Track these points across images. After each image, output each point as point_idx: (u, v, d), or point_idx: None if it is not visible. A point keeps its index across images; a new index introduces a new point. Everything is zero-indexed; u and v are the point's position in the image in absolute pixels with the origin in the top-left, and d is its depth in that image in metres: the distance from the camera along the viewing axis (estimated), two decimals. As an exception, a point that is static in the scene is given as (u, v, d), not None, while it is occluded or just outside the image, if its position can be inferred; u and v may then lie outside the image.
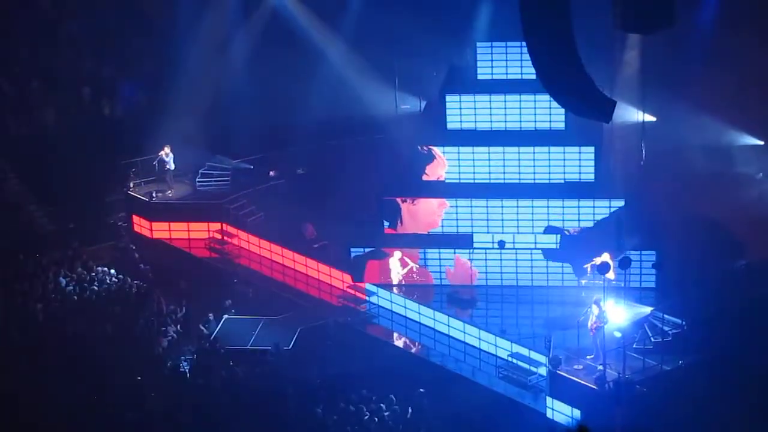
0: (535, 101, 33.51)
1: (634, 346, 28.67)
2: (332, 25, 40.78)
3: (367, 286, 33.99)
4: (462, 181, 33.94)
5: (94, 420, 28.22)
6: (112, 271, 35.67)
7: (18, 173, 40.55)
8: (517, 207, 33.18)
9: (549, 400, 28.82)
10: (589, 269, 30.48)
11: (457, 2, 37.06)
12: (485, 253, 33.38)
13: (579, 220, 32.80)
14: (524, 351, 30.29)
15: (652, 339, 29.05)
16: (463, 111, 34.18)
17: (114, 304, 33.97)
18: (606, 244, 30.18)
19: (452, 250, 33.44)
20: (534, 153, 33.53)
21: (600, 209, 32.70)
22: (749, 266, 31.61)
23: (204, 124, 39.42)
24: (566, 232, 32.85)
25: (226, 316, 33.66)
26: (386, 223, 34.01)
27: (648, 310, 29.87)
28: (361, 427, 27.83)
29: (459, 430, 28.10)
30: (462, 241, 33.46)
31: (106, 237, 38.99)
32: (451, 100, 34.23)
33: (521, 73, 33.88)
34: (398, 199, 33.80)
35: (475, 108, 34.09)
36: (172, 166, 38.51)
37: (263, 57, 40.55)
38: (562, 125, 33.62)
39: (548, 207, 33.01)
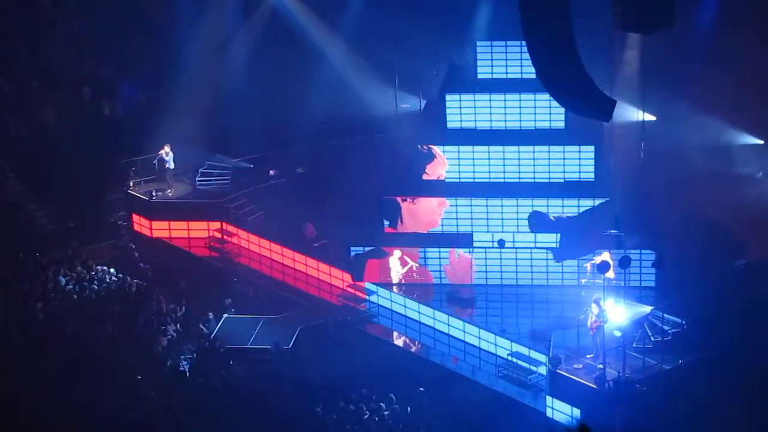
0: (535, 100, 33.53)
1: (634, 345, 28.66)
2: (332, 24, 40.79)
3: (367, 285, 34.00)
4: (462, 180, 33.94)
5: (94, 419, 28.20)
6: (112, 270, 35.65)
7: (18, 173, 40.53)
8: (517, 206, 33.20)
9: (549, 399, 28.82)
10: (589, 268, 30.52)
11: (457, 2, 37.12)
12: (485, 252, 33.38)
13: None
14: (524, 350, 30.28)
15: (652, 338, 29.04)
16: (463, 110, 34.19)
17: (114, 303, 33.95)
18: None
19: (451, 250, 33.44)
20: (534, 152, 33.54)
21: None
22: (749, 265, 31.60)
23: (204, 123, 39.39)
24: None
25: (225, 315, 33.66)
26: (386, 222, 34.01)
27: (648, 309, 29.85)
28: (360, 427, 27.83)
29: (459, 429, 28.10)
30: (462, 241, 33.47)
31: (105, 236, 38.98)
32: (451, 100, 34.24)
33: (521, 73, 33.90)
34: (398, 199, 33.80)
35: (475, 107, 34.11)
36: (171, 165, 38.52)
37: (263, 57, 40.53)
38: (562, 124, 33.64)
39: (548, 206, 33.00)
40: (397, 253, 33.63)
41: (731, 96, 35.05)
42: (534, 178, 33.63)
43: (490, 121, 34.14)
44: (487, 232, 33.38)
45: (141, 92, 43.28)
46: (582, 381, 28.07)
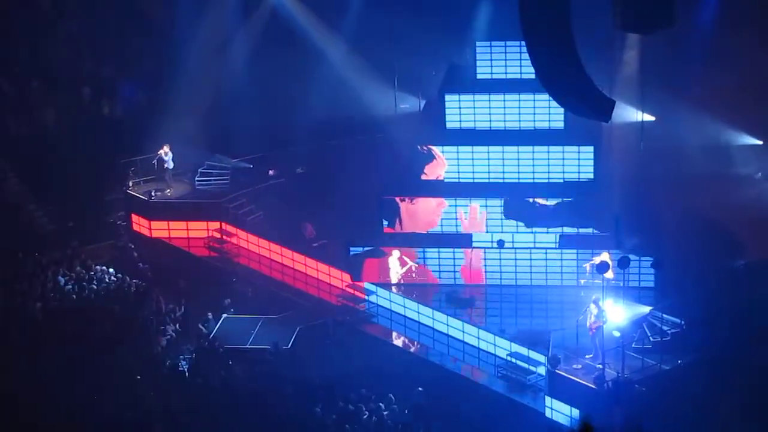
0: (534, 101, 33.52)
1: (633, 345, 28.67)
2: (332, 24, 40.79)
3: (366, 285, 33.99)
4: (461, 180, 33.93)
5: (93, 419, 28.20)
6: (111, 270, 35.67)
7: (18, 173, 40.54)
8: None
9: (548, 399, 28.80)
10: (588, 268, 30.52)
11: (456, 2, 37.11)
12: (484, 253, 33.37)
13: (578, 219, 32.81)
14: (523, 350, 30.27)
15: (651, 338, 29.04)
16: (462, 110, 34.18)
17: (113, 303, 33.95)
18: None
19: (452, 249, 33.45)
20: (533, 152, 33.52)
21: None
22: (748, 266, 31.59)
23: (203, 123, 39.39)
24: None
25: (225, 315, 33.64)
26: (385, 222, 34.00)
27: (647, 309, 29.85)
28: (360, 426, 27.82)
29: (458, 429, 28.10)
30: (461, 241, 33.46)
31: (105, 236, 38.99)
32: (451, 100, 34.23)
33: (520, 73, 33.89)
34: (397, 199, 33.79)
35: (474, 107, 34.09)
36: (171, 165, 38.50)
37: (263, 57, 40.53)
38: (561, 125, 33.63)
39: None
40: (396, 253, 33.62)
41: (730, 96, 35.05)
42: (533, 178, 33.61)
43: (490, 121, 34.13)
44: (487, 232, 33.36)
45: (141, 92, 43.28)
46: (581, 381, 28.06)
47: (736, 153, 36.16)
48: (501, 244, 33.10)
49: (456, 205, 33.41)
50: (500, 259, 33.23)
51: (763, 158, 36.01)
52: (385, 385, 29.15)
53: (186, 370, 31.16)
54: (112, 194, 40.13)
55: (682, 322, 28.98)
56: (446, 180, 34.02)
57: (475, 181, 33.86)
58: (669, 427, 26.67)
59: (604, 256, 29.64)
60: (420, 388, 29.04)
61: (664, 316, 29.31)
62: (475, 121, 34.20)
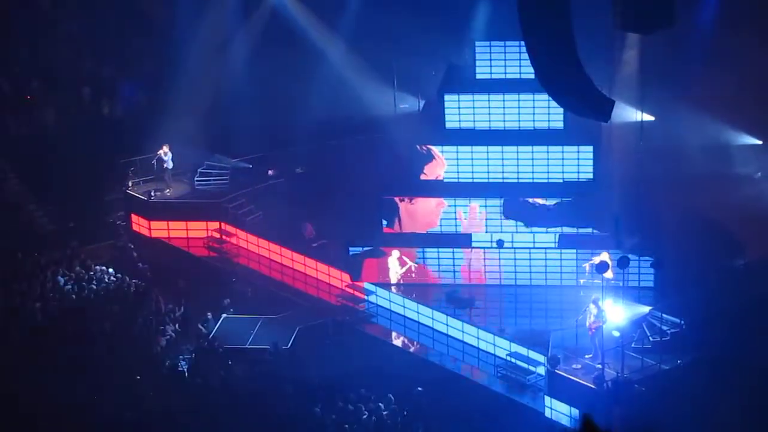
0: (533, 101, 33.51)
1: (633, 345, 28.67)
2: (331, 24, 40.78)
3: (366, 285, 33.98)
4: (461, 180, 33.92)
5: (93, 419, 28.21)
6: (111, 270, 35.66)
7: (17, 173, 40.53)
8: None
9: (547, 399, 28.80)
10: (587, 268, 30.51)
11: (455, 2, 37.09)
12: (484, 253, 33.37)
13: (577, 219, 32.81)
14: (522, 350, 30.27)
15: (651, 338, 29.05)
16: (461, 110, 34.18)
17: (112, 303, 33.95)
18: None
19: (451, 249, 33.45)
20: (533, 152, 33.52)
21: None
22: (748, 265, 31.60)
23: (203, 123, 39.38)
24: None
25: (224, 316, 33.64)
26: (384, 222, 34.00)
27: (646, 309, 29.86)
28: (359, 426, 27.83)
29: (457, 428, 28.10)
30: (461, 241, 33.45)
31: (104, 236, 38.96)
32: (450, 100, 34.23)
33: (520, 73, 33.87)
34: (396, 199, 33.79)
35: (473, 107, 34.09)
36: (170, 165, 38.49)
37: (263, 57, 40.52)
38: (560, 125, 33.62)
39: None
40: (395, 253, 33.62)
41: (730, 96, 35.02)
42: (533, 178, 33.61)
43: (489, 121, 34.12)
44: (486, 232, 33.36)
45: (140, 92, 43.27)
46: (581, 381, 28.08)
47: (735, 153, 36.14)
48: (500, 244, 33.10)
49: (456, 205, 33.42)
50: (499, 258, 33.24)
51: (763, 158, 35.99)
52: (385, 385, 29.16)
53: (185, 370, 31.16)
54: (112, 194, 40.11)
55: (682, 322, 28.99)
56: (446, 180, 34.02)
57: (475, 181, 33.86)
58: (668, 427, 26.65)
59: (604, 256, 29.64)
60: (420, 388, 29.03)
61: (664, 316, 29.32)
62: (474, 121, 34.20)
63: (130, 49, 43.50)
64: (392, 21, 37.63)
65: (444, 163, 33.98)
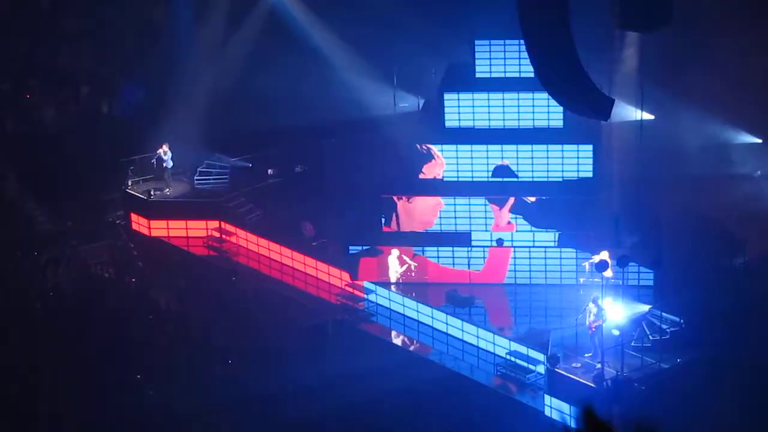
0: (533, 99, 33.53)
1: (632, 344, 28.67)
2: (331, 23, 40.77)
3: (366, 284, 33.97)
4: (460, 179, 33.93)
5: (93, 419, 28.23)
6: (110, 269, 35.63)
7: (17, 172, 40.53)
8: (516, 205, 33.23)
9: (547, 398, 28.80)
10: (587, 267, 30.51)
11: (455, 1, 37.07)
12: (483, 252, 33.37)
13: (577, 218, 32.81)
14: (522, 349, 30.27)
15: (650, 337, 29.05)
16: (461, 109, 34.19)
17: (112, 301, 33.92)
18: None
19: (451, 248, 33.46)
20: (532, 151, 33.54)
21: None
22: (747, 264, 31.60)
23: (202, 122, 39.36)
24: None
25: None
26: (382, 221, 33.99)
27: (646, 308, 29.86)
28: (359, 425, 27.81)
29: (457, 427, 28.10)
30: (460, 239, 33.45)
31: (104, 235, 38.94)
32: (450, 99, 34.23)
33: (520, 72, 33.89)
34: (394, 197, 33.79)
35: (473, 106, 34.10)
36: (170, 164, 38.45)
37: (262, 55, 40.52)
38: (560, 123, 33.64)
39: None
40: (395, 252, 33.61)
41: (730, 95, 35.02)
42: (532, 177, 33.62)
43: (489, 120, 34.14)
44: (486, 231, 33.37)
45: (140, 91, 43.26)
46: (580, 380, 28.08)
47: (735, 151, 36.14)
48: (500, 242, 33.11)
49: (455, 204, 33.41)
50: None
51: (762, 157, 35.99)
52: (385, 383, 29.13)
53: (188, 368, 31.12)
54: (111, 193, 40.10)
55: (681, 321, 29.00)
56: (446, 179, 34.02)
57: (475, 179, 33.86)
58: (668, 425, 26.63)
59: (604, 255, 29.62)
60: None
61: (663, 314, 29.33)
62: (474, 119, 34.20)
63: (130, 49, 43.49)
64: (392, 20, 37.64)
65: (443, 163, 33.98)
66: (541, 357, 29.47)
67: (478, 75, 34.52)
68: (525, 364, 29.99)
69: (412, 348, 32.25)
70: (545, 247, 32.98)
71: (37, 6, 44.10)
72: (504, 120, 34.07)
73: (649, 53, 33.77)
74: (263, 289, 35.09)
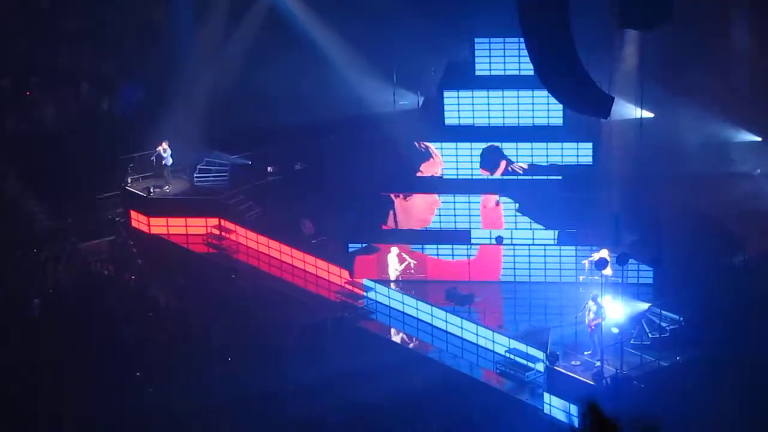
0: (533, 97, 33.55)
1: (632, 342, 28.67)
2: (331, 21, 40.78)
3: (365, 281, 33.98)
4: (460, 176, 33.94)
5: (93, 418, 28.22)
6: (110, 266, 35.64)
7: (17, 169, 40.54)
8: (515, 203, 33.20)
9: (546, 395, 28.81)
10: (587, 265, 30.52)
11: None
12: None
13: (576, 216, 32.84)
14: (522, 347, 30.28)
15: (650, 335, 29.04)
16: (460, 107, 34.21)
17: (111, 299, 33.93)
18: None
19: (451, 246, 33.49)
20: (532, 149, 33.55)
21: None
22: (747, 262, 31.62)
23: (202, 120, 39.39)
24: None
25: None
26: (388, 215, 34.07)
27: (645, 306, 29.86)
28: (359, 423, 27.83)
29: (456, 425, 28.10)
30: (460, 237, 33.47)
31: (103, 232, 38.95)
32: (449, 96, 34.26)
33: (519, 70, 33.93)
34: (392, 195, 33.81)
35: (473, 104, 34.12)
36: (169, 161, 38.48)
37: (262, 53, 40.53)
38: (560, 121, 33.68)
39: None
40: (394, 249, 33.63)
41: (729, 93, 35.06)
42: (532, 175, 33.62)
43: (488, 117, 34.16)
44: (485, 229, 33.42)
45: (140, 91, 43.29)
46: (579, 378, 28.07)
47: (734, 150, 36.16)
48: (500, 240, 33.12)
49: (455, 202, 33.43)
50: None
51: (762, 155, 36.02)
52: (385, 382, 29.13)
53: (184, 367, 31.12)
54: (111, 191, 40.11)
55: (681, 319, 29.00)
56: (445, 177, 34.03)
57: (474, 177, 33.87)
58: (667, 423, 26.63)
59: (603, 253, 29.64)
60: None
61: (663, 312, 29.34)
62: (473, 117, 34.23)
63: (130, 48, 43.51)
64: (392, 18, 37.66)
65: (441, 162, 34.00)
66: (540, 355, 29.48)
67: (477, 73, 34.54)
68: (524, 362, 30.00)
69: (411, 345, 32.26)
70: (545, 245, 32.98)
71: (37, 6, 44.12)
72: (504, 118, 34.10)
73: (649, 51, 33.81)
74: (263, 287, 35.08)
